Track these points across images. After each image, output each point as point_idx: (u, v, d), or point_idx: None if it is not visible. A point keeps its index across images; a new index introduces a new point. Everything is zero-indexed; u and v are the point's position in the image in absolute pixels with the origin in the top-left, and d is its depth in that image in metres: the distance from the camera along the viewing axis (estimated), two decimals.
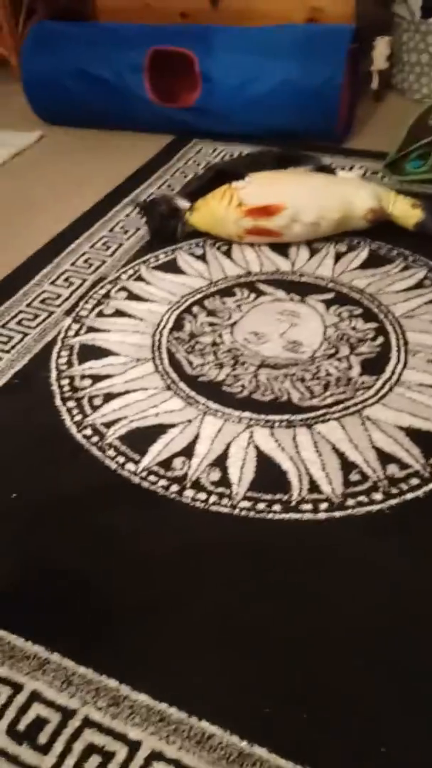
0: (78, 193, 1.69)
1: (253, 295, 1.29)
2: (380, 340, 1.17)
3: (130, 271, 1.38)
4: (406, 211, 1.38)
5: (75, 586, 0.82)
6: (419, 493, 0.91)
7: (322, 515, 0.89)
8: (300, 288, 1.30)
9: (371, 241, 1.41)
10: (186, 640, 0.76)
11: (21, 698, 0.72)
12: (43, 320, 1.26)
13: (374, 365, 1.12)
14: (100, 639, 0.77)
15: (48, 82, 1.91)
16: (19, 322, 1.26)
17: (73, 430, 1.03)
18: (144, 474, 0.95)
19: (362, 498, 0.90)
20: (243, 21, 2.03)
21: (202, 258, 1.41)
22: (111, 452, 0.99)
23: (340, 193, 1.38)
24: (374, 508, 0.89)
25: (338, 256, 1.39)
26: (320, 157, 1.58)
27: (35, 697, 0.72)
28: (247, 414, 1.04)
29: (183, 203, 1.43)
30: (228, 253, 1.42)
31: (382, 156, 1.71)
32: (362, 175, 1.63)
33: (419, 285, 1.29)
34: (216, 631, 0.77)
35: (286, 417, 1.03)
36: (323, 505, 0.90)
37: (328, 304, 1.26)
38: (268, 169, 1.49)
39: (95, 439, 1.01)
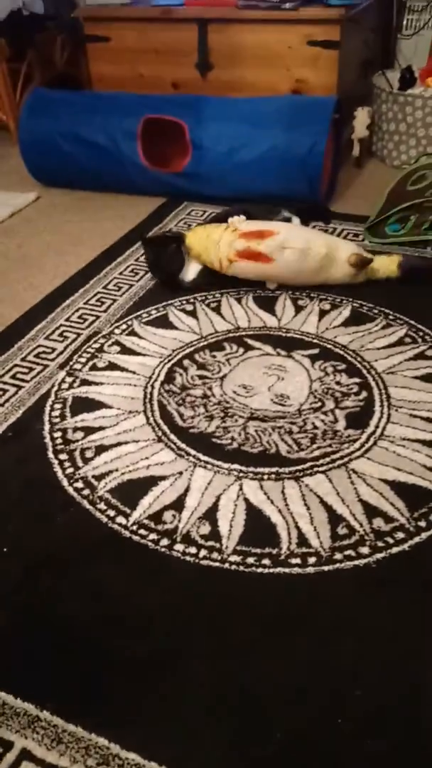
0: (73, 252, 1.75)
1: (241, 350, 1.34)
2: (364, 394, 1.21)
3: (123, 326, 1.43)
4: (386, 266, 1.51)
5: (65, 642, 0.82)
6: (405, 546, 0.93)
7: (310, 569, 0.90)
8: (286, 343, 1.35)
9: (353, 299, 1.48)
10: (177, 699, 0.76)
11: (11, 756, 0.71)
12: (38, 374, 1.29)
13: (359, 419, 1.15)
14: (91, 696, 0.77)
15: (44, 145, 2.00)
16: (13, 376, 1.29)
17: (65, 482, 1.05)
18: (134, 527, 0.97)
19: (350, 552, 0.92)
20: (231, 91, 2.16)
21: (193, 314, 1.46)
22: (102, 505, 1.00)
23: (326, 237, 1.51)
24: (361, 562, 0.91)
25: (322, 314, 1.44)
26: (278, 211, 1.67)
27: (25, 755, 0.71)
28: (236, 466, 1.06)
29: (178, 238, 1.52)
30: (217, 309, 1.47)
31: (363, 219, 1.80)
32: (339, 235, 1.72)
33: (400, 342, 1.34)
34: (207, 689, 0.77)
35: (274, 469, 1.05)
36: (312, 559, 0.91)
37: (313, 359, 1.30)
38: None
39: (86, 491, 1.03)
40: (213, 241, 1.46)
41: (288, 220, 1.61)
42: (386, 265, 1.49)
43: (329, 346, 1.34)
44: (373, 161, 2.24)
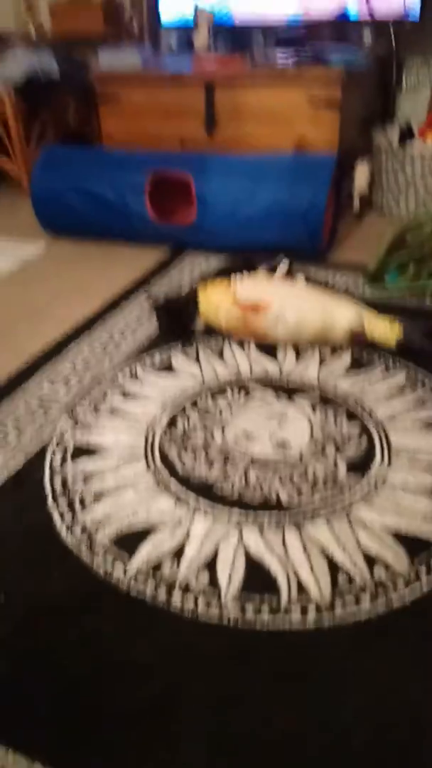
0: (79, 300, 1.79)
1: (243, 396, 1.35)
2: (365, 441, 1.21)
3: (127, 372, 1.44)
4: (386, 333, 1.44)
5: (60, 694, 0.81)
6: (406, 598, 0.91)
7: (310, 621, 0.88)
8: (288, 389, 1.36)
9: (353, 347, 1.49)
10: (173, 753, 0.74)
11: None
12: (40, 420, 1.30)
13: (360, 466, 1.15)
14: (85, 750, 0.74)
15: (54, 198, 2.08)
16: (16, 422, 1.30)
17: (63, 531, 1.04)
18: (132, 577, 0.96)
19: (350, 603, 0.91)
20: (236, 147, 2.24)
21: (196, 360, 1.48)
22: (100, 554, 0.99)
23: (324, 309, 1.47)
24: (362, 613, 0.89)
25: (322, 360, 1.46)
26: (278, 259, 1.74)
27: None
28: (236, 514, 1.05)
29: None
30: (220, 356, 1.49)
31: (363, 269, 1.83)
32: (339, 285, 1.75)
33: (400, 389, 1.35)
34: (206, 739, 0.75)
35: (275, 517, 1.05)
36: (312, 611, 0.90)
37: (314, 405, 1.31)
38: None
39: (85, 540, 1.02)
40: (213, 306, 1.50)
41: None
42: (384, 339, 1.46)
43: (330, 392, 1.35)
44: (372, 213, 2.29)
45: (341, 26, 2.43)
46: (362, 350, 1.47)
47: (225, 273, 1.59)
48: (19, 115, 2.50)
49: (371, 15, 2.33)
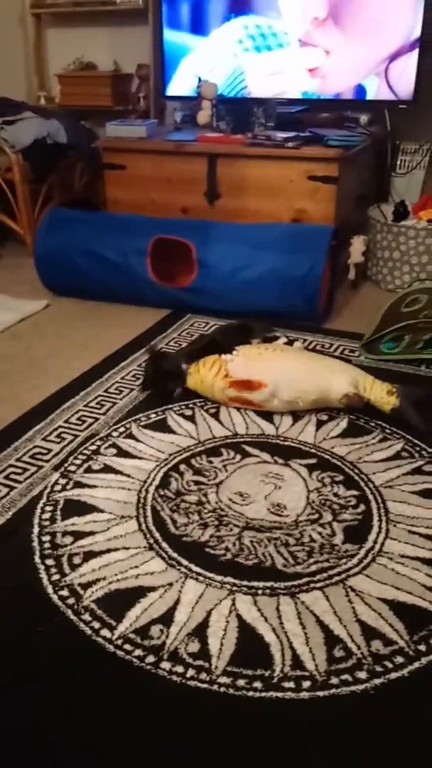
0: (78, 357, 1.79)
1: (239, 456, 1.33)
2: (362, 507, 1.19)
3: (122, 429, 1.43)
4: (381, 398, 1.45)
5: (42, 762, 0.75)
6: (404, 672, 0.87)
7: (304, 694, 0.84)
8: (284, 451, 1.35)
9: (350, 412, 1.49)
10: None
11: None
12: (32, 474, 1.28)
13: (357, 533, 1.12)
14: None
15: (57, 258, 2.12)
16: (7, 476, 1.27)
17: (50, 590, 1.00)
18: (120, 642, 0.91)
19: (346, 676, 0.87)
20: (237, 218, 2.32)
21: (191, 419, 1.47)
22: (87, 616, 0.96)
23: (317, 380, 1.45)
24: (359, 687, 0.85)
25: (319, 424, 1.45)
26: (272, 329, 1.76)
27: None
28: (229, 579, 1.02)
29: (185, 367, 1.53)
30: (216, 415, 1.48)
31: (358, 336, 1.86)
32: (336, 352, 1.77)
33: (397, 456, 1.34)
34: None
35: (269, 584, 1.01)
36: (306, 683, 0.86)
37: (310, 468, 1.30)
38: (238, 337, 1.66)
39: (71, 600, 0.98)
40: (207, 386, 1.49)
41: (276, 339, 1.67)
42: (380, 405, 1.45)
43: (327, 456, 1.34)
44: (368, 284, 2.35)
45: (339, 109, 2.57)
46: (359, 412, 1.47)
47: (216, 347, 1.57)
48: (25, 178, 2.59)
49: (365, 97, 2.47)
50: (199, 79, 2.65)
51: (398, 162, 2.70)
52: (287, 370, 1.47)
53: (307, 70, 2.51)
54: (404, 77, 2.40)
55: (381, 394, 1.45)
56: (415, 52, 2.35)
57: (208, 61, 2.65)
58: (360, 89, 2.49)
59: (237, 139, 2.37)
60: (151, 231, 2.04)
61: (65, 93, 3.02)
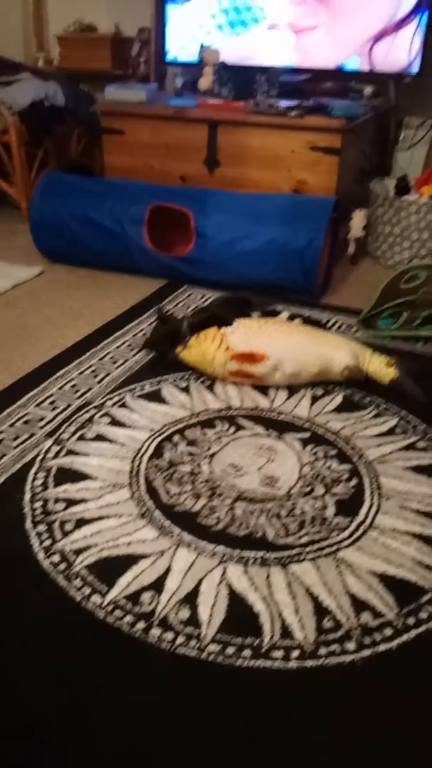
0: (72, 325, 1.77)
1: (233, 429, 1.33)
2: (354, 481, 1.19)
3: (116, 398, 1.42)
4: (380, 370, 1.46)
5: (24, 731, 0.76)
6: (392, 644, 0.88)
7: (293, 664, 0.85)
8: (278, 425, 1.34)
9: (345, 387, 1.49)
10: None
11: None
12: (24, 441, 1.27)
13: (348, 507, 1.13)
14: None
15: (53, 224, 2.08)
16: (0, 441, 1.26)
17: (41, 555, 1.00)
18: (110, 608, 0.92)
19: (335, 647, 0.87)
20: (236, 188, 2.28)
21: (186, 390, 1.46)
22: (77, 582, 0.96)
23: (320, 352, 1.46)
24: (347, 658, 0.86)
25: (314, 399, 1.45)
26: (271, 303, 1.70)
27: None
28: (221, 549, 1.02)
29: (185, 337, 1.51)
30: (211, 388, 1.47)
31: (356, 312, 1.85)
32: (333, 326, 1.75)
33: (391, 432, 1.34)
34: None
35: (260, 554, 1.02)
36: (295, 653, 0.86)
37: (304, 442, 1.29)
38: (237, 309, 1.63)
39: (62, 566, 0.98)
40: (207, 359, 1.47)
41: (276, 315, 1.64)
42: (379, 376, 1.46)
43: (321, 431, 1.34)
44: (367, 260, 2.33)
45: (343, 79, 2.52)
46: (355, 386, 1.46)
47: (217, 320, 1.54)
48: (22, 140, 2.53)
49: (371, 68, 2.42)
50: (202, 45, 2.58)
51: (401, 136, 2.66)
52: (289, 343, 1.46)
53: (302, 32, 2.44)
54: (411, 50, 2.34)
55: (380, 367, 1.46)
56: (423, 24, 2.29)
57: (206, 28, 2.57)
58: (363, 60, 2.43)
59: (239, 107, 2.32)
60: (148, 198, 2.00)
61: (64, 55, 2.93)
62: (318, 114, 2.23)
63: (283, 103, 2.26)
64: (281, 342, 1.46)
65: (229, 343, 1.45)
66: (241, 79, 2.46)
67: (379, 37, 2.37)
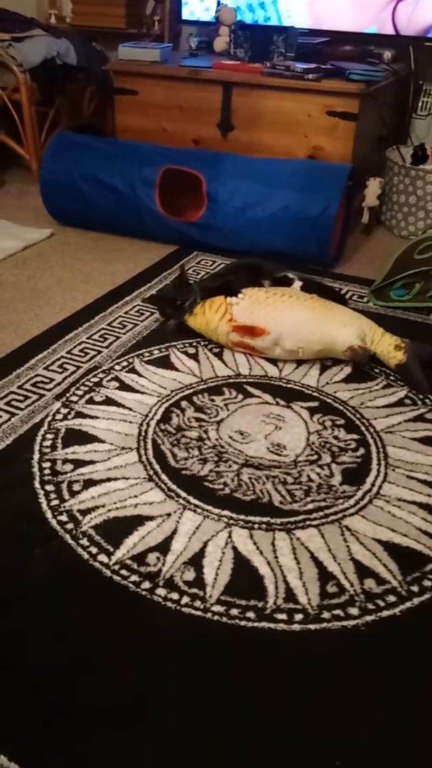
0: (82, 288, 1.76)
1: (240, 396, 1.33)
2: (361, 451, 1.19)
3: (124, 363, 1.42)
4: (388, 353, 1.41)
5: (30, 684, 0.77)
6: (396, 611, 0.89)
7: (296, 626, 0.86)
8: (286, 393, 1.34)
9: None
10: (143, 752, 0.71)
11: None
12: (33, 402, 1.27)
13: (355, 476, 1.13)
14: (53, 743, 0.71)
15: (63, 185, 2.05)
16: (8, 403, 1.27)
17: (49, 514, 1.01)
18: (116, 567, 0.93)
19: (338, 611, 0.88)
20: (250, 152, 2.23)
21: (194, 357, 1.45)
22: (84, 541, 0.97)
23: (323, 331, 1.40)
24: (350, 623, 0.87)
25: (324, 368, 1.44)
26: (282, 270, 1.65)
27: None
28: (227, 513, 1.03)
29: (191, 304, 1.50)
30: (219, 355, 1.47)
31: (368, 282, 1.83)
32: (345, 295, 1.73)
33: (400, 403, 1.33)
34: (176, 744, 0.72)
35: (266, 519, 1.02)
36: (298, 616, 0.87)
37: (312, 411, 1.29)
38: (248, 275, 1.59)
39: (70, 525, 0.99)
40: (211, 328, 1.46)
41: (290, 282, 1.61)
42: (386, 359, 1.42)
43: (329, 400, 1.33)
44: (381, 230, 2.29)
45: (363, 42, 2.44)
46: (364, 364, 1.45)
47: (228, 287, 1.52)
48: (33, 99, 2.48)
49: (396, 31, 2.35)
50: (219, 3, 2.50)
51: (420, 103, 2.59)
52: (292, 319, 1.41)
53: None
54: None
55: (388, 349, 1.41)
56: None
57: None
58: (383, 24, 2.36)
59: (254, 68, 2.26)
60: (160, 161, 1.97)
61: (77, 12, 2.85)
62: (336, 78, 2.17)
63: (300, 66, 2.20)
64: (285, 318, 1.41)
65: (232, 314, 1.44)
66: (258, 40, 2.39)
67: None
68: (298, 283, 1.61)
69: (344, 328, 1.41)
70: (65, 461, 1.12)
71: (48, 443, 1.16)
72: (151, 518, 1.01)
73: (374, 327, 1.45)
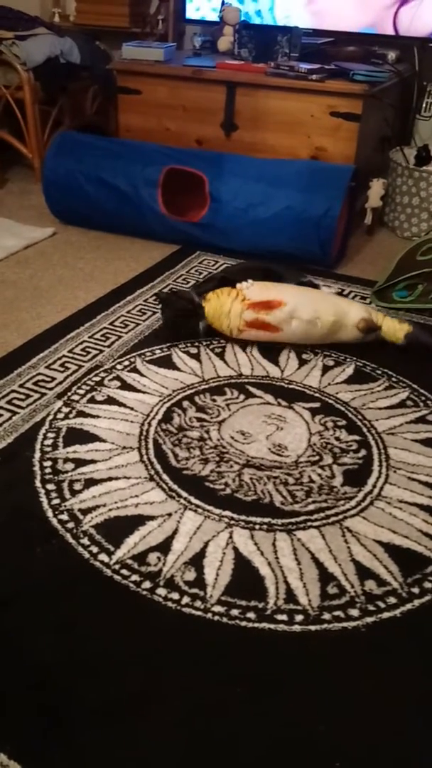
0: (83, 287, 1.76)
1: (242, 396, 1.32)
2: (363, 452, 1.19)
3: (126, 362, 1.42)
4: (394, 327, 1.48)
5: (31, 682, 0.77)
6: (396, 612, 0.89)
7: (296, 627, 0.86)
8: (288, 394, 1.34)
9: (357, 359, 1.48)
10: (144, 751, 0.71)
11: None
12: (34, 401, 1.27)
13: (356, 477, 1.13)
14: (52, 742, 0.71)
15: (66, 184, 2.05)
16: (9, 401, 1.26)
17: (50, 513, 1.01)
18: (117, 567, 0.93)
19: (339, 613, 0.88)
20: (253, 152, 2.23)
21: (196, 357, 1.45)
22: (85, 540, 0.97)
23: (335, 301, 1.49)
24: (350, 624, 0.87)
25: (325, 369, 1.44)
26: (305, 275, 1.65)
27: None
28: (227, 513, 1.03)
29: (198, 300, 1.49)
30: (221, 355, 1.47)
31: (371, 284, 1.82)
32: (347, 296, 1.73)
33: (401, 404, 1.33)
34: (176, 744, 0.72)
35: (267, 520, 1.02)
36: (299, 617, 0.87)
37: (314, 412, 1.29)
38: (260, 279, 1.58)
39: (71, 525, 0.99)
40: (224, 311, 1.45)
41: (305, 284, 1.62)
42: (393, 331, 1.48)
43: (331, 401, 1.33)
44: (383, 231, 2.29)
45: (367, 43, 2.44)
46: (366, 358, 1.45)
47: (225, 283, 1.52)
48: (36, 98, 2.48)
49: (396, 32, 2.34)
50: (223, 2, 2.50)
51: (424, 104, 2.58)
52: (304, 293, 1.50)
53: None
54: None
55: (394, 323, 1.48)
56: None
57: None
58: (387, 25, 2.35)
59: (258, 68, 2.26)
60: (163, 161, 1.97)
61: (80, 11, 2.85)
62: (339, 78, 2.17)
63: (304, 66, 2.20)
64: (297, 291, 1.50)
65: (245, 295, 1.46)
66: (262, 40, 2.38)
67: (405, 0, 2.29)
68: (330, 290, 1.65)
69: (353, 304, 1.50)
70: (66, 460, 1.12)
71: (49, 442, 1.16)
72: (152, 518, 1.01)
73: (376, 310, 1.53)
